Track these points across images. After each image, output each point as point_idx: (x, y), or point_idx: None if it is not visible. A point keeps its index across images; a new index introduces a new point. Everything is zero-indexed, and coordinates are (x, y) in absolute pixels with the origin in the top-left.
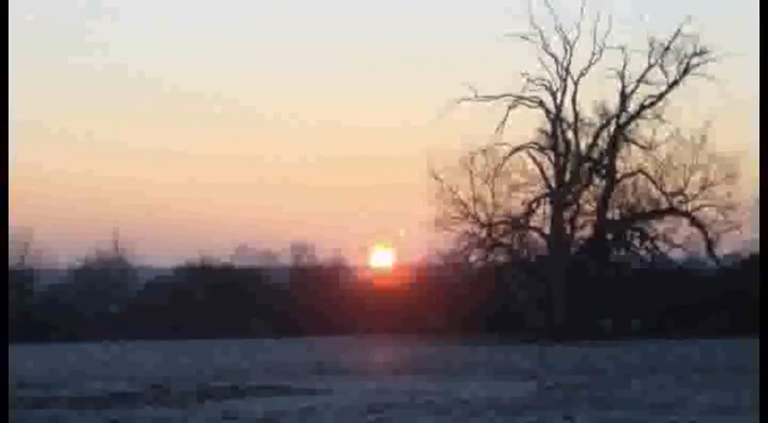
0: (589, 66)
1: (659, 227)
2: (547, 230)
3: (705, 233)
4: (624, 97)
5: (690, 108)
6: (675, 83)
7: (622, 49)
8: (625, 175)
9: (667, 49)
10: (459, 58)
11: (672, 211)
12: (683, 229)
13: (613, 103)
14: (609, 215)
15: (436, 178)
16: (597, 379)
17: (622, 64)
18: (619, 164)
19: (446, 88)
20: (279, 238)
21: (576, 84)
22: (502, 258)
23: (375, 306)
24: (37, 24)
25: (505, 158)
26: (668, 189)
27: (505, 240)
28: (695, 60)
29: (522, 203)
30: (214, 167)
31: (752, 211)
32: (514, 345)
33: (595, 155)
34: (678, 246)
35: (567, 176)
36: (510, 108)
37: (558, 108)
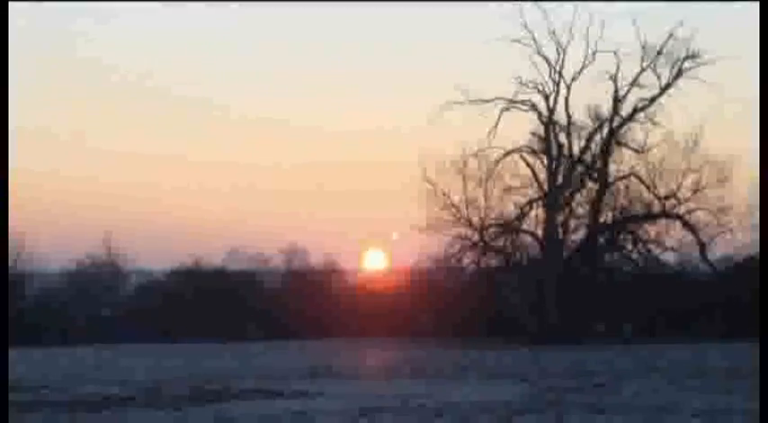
0: (582, 69)
1: (652, 230)
2: (539, 234)
3: (698, 236)
4: (617, 101)
5: (682, 111)
6: (668, 86)
7: (615, 52)
8: (618, 179)
9: (660, 52)
10: (452, 62)
11: (664, 214)
12: (676, 233)
13: (606, 107)
14: (601, 218)
15: (429, 182)
16: (590, 382)
17: (615, 67)
18: (611, 167)
19: (439, 92)
20: (271, 241)
21: (568, 87)
22: (494, 262)
23: (368, 309)
24: (31, 25)
25: (498, 162)
26: (661, 192)
27: (498, 244)
28: (688, 64)
29: (515, 207)
30: (207, 171)
31: (744, 215)
32: (507, 348)
33: (588, 158)
34: (671, 249)
35: (560, 180)
36: (502, 111)
37: (551, 111)
